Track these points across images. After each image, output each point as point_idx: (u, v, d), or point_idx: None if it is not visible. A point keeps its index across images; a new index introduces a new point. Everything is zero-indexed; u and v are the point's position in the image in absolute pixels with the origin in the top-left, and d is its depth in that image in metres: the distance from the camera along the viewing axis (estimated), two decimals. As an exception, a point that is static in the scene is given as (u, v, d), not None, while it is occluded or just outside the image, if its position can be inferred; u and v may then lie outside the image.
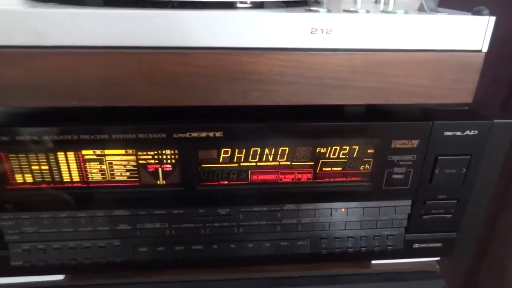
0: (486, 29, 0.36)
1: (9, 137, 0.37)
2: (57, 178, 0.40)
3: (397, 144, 0.42)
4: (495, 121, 0.41)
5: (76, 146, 0.39)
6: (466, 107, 0.46)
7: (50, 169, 0.40)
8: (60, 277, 0.47)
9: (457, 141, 0.42)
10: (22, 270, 0.44)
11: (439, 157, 0.42)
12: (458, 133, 0.41)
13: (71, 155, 0.39)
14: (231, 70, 0.35)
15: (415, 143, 0.42)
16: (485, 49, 0.37)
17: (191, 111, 0.41)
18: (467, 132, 0.41)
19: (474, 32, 0.36)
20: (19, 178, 0.40)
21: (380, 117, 0.42)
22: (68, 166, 0.40)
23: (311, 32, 0.35)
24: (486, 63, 0.37)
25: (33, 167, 0.39)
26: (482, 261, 0.83)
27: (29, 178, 0.40)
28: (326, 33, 0.35)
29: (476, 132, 0.41)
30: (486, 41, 0.37)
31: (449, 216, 0.46)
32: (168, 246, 0.45)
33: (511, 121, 0.42)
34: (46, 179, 0.40)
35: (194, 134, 0.39)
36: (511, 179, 0.73)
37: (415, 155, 0.42)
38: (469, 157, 0.43)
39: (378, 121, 0.41)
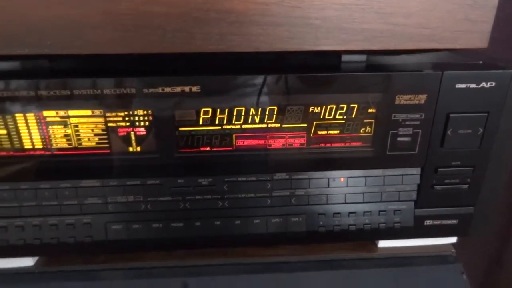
0: (502, -46, 0.31)
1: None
2: (16, 145, 0.36)
3: (401, 99, 0.36)
4: (515, 70, 0.36)
5: (35, 104, 0.34)
6: (481, 62, 0.40)
7: (9, 134, 0.36)
8: (29, 263, 0.43)
9: (472, 96, 0.36)
10: (-19, 251, 0.39)
11: (451, 115, 0.37)
12: (473, 86, 0.36)
13: (31, 116, 0.35)
14: (203, 8, 0.31)
15: (422, 98, 0.36)
16: (501, -20, 0.32)
17: (165, 64, 0.37)
18: (483, 84, 0.36)
19: (487, -42, 0.31)
20: (-27, 144, 0.36)
21: (382, 68, 0.36)
22: (28, 130, 0.36)
23: (296, -39, 0.30)
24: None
25: (-11, 132, 0.35)
26: (505, 250, 0.75)
27: (-15, 145, 0.36)
28: (314, -39, 0.30)
29: (494, 84, 0.36)
30: (502, -30, 0.31)
31: (465, 186, 0.40)
32: (144, 224, 0.40)
33: (535, 71, 0.36)
34: (4, 146, 0.36)
35: (168, 89, 0.35)
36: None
37: (423, 113, 0.37)
38: (486, 114, 0.37)
39: (378, 71, 0.35)
